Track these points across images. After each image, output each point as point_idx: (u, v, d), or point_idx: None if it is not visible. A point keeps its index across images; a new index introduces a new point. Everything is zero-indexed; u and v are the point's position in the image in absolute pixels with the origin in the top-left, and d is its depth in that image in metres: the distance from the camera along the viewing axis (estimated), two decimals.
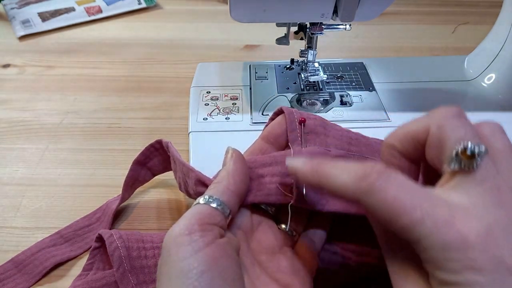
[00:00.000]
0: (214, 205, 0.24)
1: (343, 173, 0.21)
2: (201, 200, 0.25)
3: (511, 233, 0.18)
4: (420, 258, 0.19)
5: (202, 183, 0.29)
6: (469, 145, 0.19)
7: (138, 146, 0.47)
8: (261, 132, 0.32)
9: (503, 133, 0.22)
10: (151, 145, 0.38)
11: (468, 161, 0.19)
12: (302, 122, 0.30)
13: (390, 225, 0.19)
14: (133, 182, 0.39)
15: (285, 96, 0.48)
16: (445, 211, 0.18)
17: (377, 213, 0.19)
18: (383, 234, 0.22)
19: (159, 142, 0.37)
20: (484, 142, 0.20)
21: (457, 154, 0.19)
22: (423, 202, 0.19)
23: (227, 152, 0.28)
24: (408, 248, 0.20)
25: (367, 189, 0.19)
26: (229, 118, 0.45)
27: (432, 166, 0.22)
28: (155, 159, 0.39)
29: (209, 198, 0.25)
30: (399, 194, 0.19)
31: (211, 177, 0.29)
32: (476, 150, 0.19)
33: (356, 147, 0.30)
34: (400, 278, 0.20)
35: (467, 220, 0.18)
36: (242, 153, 0.29)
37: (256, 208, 0.29)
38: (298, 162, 0.24)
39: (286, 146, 0.31)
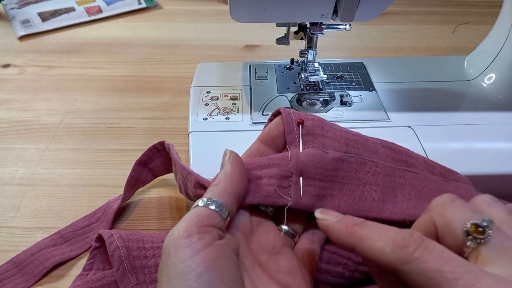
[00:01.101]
0: (212, 207, 0.25)
1: (380, 239, 0.21)
2: (199, 202, 0.25)
3: None
4: None
5: (201, 186, 0.29)
6: (475, 221, 0.20)
7: (138, 146, 0.47)
8: (260, 132, 0.32)
9: (497, 202, 0.23)
10: (154, 146, 0.38)
11: (481, 235, 0.20)
12: (300, 123, 0.30)
13: None
14: (134, 183, 0.39)
15: (285, 96, 0.48)
16: (487, 282, 0.18)
17: (415, 282, 0.19)
18: None
19: (161, 143, 0.37)
20: (484, 216, 0.21)
21: (468, 233, 0.20)
22: (464, 272, 0.19)
23: (224, 154, 0.28)
24: None
25: (406, 259, 0.20)
26: (229, 118, 0.45)
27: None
28: (157, 161, 0.39)
29: (207, 200, 0.25)
30: (439, 264, 0.19)
31: (211, 178, 0.29)
32: (483, 223, 0.20)
33: (354, 149, 0.30)
34: None
35: None
36: (241, 154, 0.29)
37: (255, 209, 0.29)
38: (330, 218, 0.24)
39: (284, 148, 0.31)
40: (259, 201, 0.28)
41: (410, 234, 0.21)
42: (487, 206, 0.22)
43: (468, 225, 0.20)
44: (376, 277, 0.24)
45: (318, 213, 0.25)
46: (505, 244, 0.20)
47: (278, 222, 0.29)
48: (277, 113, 0.31)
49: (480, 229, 0.20)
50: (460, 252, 0.21)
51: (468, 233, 0.20)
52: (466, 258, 0.20)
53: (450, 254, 0.20)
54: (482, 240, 0.20)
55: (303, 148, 0.30)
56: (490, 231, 0.20)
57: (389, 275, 0.23)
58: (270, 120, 0.32)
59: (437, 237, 0.22)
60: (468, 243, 0.20)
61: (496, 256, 0.20)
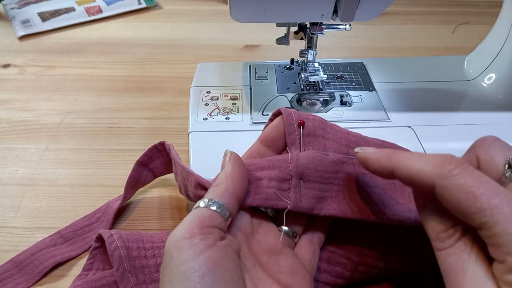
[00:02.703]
0: (213, 208, 0.25)
1: (420, 160, 0.22)
2: (201, 203, 0.25)
3: None
4: (489, 243, 0.20)
5: (202, 186, 0.29)
6: None
7: (138, 146, 0.47)
8: (261, 132, 0.32)
9: None
10: (154, 147, 0.38)
11: None
12: (301, 124, 0.30)
13: (462, 209, 0.20)
14: (134, 183, 0.39)
15: (285, 96, 0.48)
16: None
17: (452, 197, 0.20)
18: (436, 226, 0.23)
19: (162, 144, 0.37)
20: None
21: (510, 165, 0.22)
22: (500, 192, 0.20)
23: (225, 155, 0.28)
24: (465, 239, 0.21)
25: (446, 174, 0.21)
26: (229, 118, 0.45)
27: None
28: (157, 161, 0.39)
29: (208, 201, 0.25)
30: (477, 182, 0.20)
31: (211, 178, 0.29)
32: None
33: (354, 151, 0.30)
34: (458, 271, 0.21)
35: None
36: (241, 154, 0.29)
37: (255, 210, 0.29)
38: (370, 149, 0.26)
39: (284, 149, 0.31)
40: (259, 203, 0.28)
41: (451, 156, 0.22)
42: None
43: (511, 158, 0.22)
44: (419, 208, 0.24)
45: (357, 149, 0.26)
46: None
47: (278, 223, 0.29)
48: (277, 113, 0.31)
49: None
50: (499, 183, 0.22)
51: (509, 166, 0.22)
52: None
53: (488, 178, 0.21)
54: None
55: (304, 150, 0.30)
56: None
57: (431, 202, 0.23)
58: (271, 120, 0.32)
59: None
60: (508, 174, 0.22)
61: None
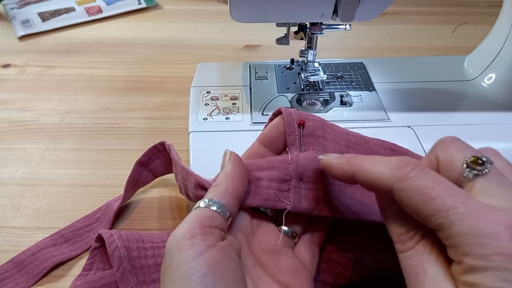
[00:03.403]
0: (214, 208, 0.25)
1: (379, 163, 0.22)
2: (201, 203, 0.25)
3: None
4: (446, 244, 0.20)
5: (202, 187, 0.29)
6: (477, 155, 0.22)
7: (138, 146, 0.47)
8: (260, 132, 0.32)
9: (500, 155, 0.24)
10: (154, 147, 0.38)
11: (480, 167, 0.21)
12: (301, 124, 0.30)
13: (419, 211, 0.20)
14: (134, 183, 0.39)
15: (285, 96, 0.48)
16: (477, 203, 0.19)
17: (409, 199, 0.21)
18: (398, 228, 0.23)
19: (162, 144, 0.37)
20: None
21: (468, 165, 0.21)
22: (455, 192, 0.20)
23: (225, 155, 0.28)
24: (425, 242, 0.21)
25: (402, 176, 0.21)
26: (229, 118, 0.45)
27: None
28: (158, 161, 0.39)
29: (209, 201, 0.25)
30: (433, 183, 0.20)
31: (211, 178, 0.29)
32: (483, 158, 0.21)
33: (354, 151, 0.30)
34: (418, 273, 0.21)
35: (497, 212, 0.19)
36: (241, 154, 0.29)
37: (255, 210, 0.29)
38: (333, 155, 0.26)
39: (283, 149, 0.31)
40: (259, 203, 0.28)
41: (408, 159, 0.22)
42: (489, 155, 0.23)
43: (469, 158, 0.21)
44: (382, 211, 0.24)
45: (321, 156, 0.26)
46: (500, 182, 0.21)
47: (278, 223, 0.29)
48: (277, 113, 0.31)
49: (480, 161, 0.21)
50: (457, 184, 0.21)
51: (467, 165, 0.21)
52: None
53: (445, 179, 0.21)
54: (480, 172, 0.21)
55: (304, 150, 0.30)
56: (489, 165, 0.21)
57: (393, 205, 0.23)
58: (271, 120, 0.32)
59: (438, 172, 0.23)
60: (465, 173, 0.21)
61: (491, 189, 0.20)
